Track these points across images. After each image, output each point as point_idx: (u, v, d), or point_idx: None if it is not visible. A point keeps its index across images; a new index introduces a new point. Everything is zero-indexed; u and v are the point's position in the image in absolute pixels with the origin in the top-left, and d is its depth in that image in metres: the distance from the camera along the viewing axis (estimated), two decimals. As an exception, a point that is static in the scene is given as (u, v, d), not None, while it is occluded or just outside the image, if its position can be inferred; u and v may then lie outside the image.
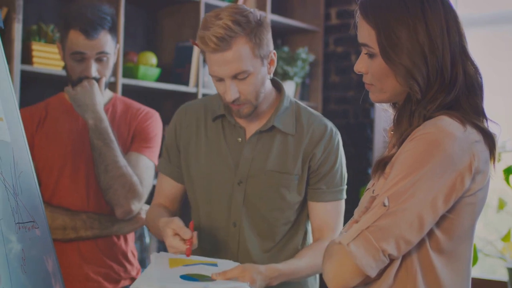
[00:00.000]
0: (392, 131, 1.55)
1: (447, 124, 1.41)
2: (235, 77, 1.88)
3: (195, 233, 1.84)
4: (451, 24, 1.46)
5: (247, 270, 1.78)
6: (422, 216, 1.37)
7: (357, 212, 1.50)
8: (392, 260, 1.42)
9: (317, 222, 2.04)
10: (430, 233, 1.43)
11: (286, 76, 4.19)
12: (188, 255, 1.82)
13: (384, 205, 1.38)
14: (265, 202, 1.99)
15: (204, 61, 2.05)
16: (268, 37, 1.93)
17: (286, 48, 4.21)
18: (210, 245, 2.04)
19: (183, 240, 1.83)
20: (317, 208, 2.03)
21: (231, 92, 1.88)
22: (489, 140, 1.45)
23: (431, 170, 1.37)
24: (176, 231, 1.83)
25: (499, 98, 3.89)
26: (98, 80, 2.30)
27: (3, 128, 1.63)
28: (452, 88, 1.45)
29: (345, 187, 2.08)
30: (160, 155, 2.28)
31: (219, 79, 1.90)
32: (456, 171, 1.38)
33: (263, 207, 2.00)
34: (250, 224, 2.00)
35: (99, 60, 2.29)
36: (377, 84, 1.51)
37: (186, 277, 1.76)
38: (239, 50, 1.85)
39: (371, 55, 1.50)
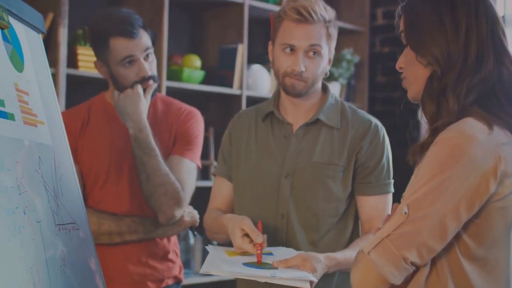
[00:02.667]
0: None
1: (469, 127, 1.37)
2: (307, 51, 2.01)
3: (265, 236, 1.86)
4: (481, 13, 1.44)
5: (307, 259, 1.81)
6: (444, 223, 1.35)
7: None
8: (418, 267, 1.40)
9: (367, 215, 2.07)
10: (459, 239, 1.40)
11: (331, 77, 4.17)
12: (259, 261, 1.82)
13: (405, 213, 1.36)
14: (311, 193, 2.04)
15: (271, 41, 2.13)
16: (336, 37, 2.10)
17: (331, 49, 4.19)
18: None
19: (252, 242, 1.85)
20: (366, 202, 2.07)
21: (301, 63, 2.00)
22: None
23: (452, 176, 1.34)
24: (246, 232, 1.86)
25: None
26: (153, 80, 2.31)
27: (44, 132, 1.66)
28: (478, 69, 1.42)
29: (392, 180, 2.12)
30: (201, 157, 2.30)
31: (291, 50, 2.01)
32: (479, 175, 1.35)
33: (309, 198, 2.04)
34: (297, 215, 2.04)
35: (146, 58, 2.30)
36: (409, 74, 1.51)
37: (248, 265, 1.78)
38: (320, 29, 2.02)
39: (406, 45, 1.51)
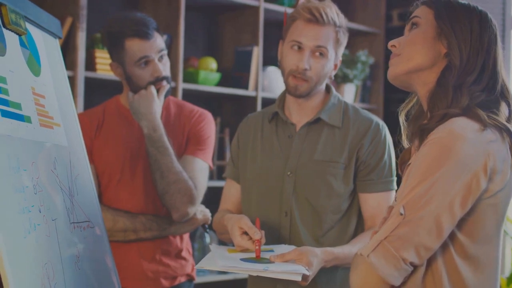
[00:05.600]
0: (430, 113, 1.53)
1: (458, 126, 1.41)
2: (314, 51, 2.08)
3: (263, 232, 1.92)
4: (500, 44, 1.52)
5: (304, 253, 1.86)
6: (439, 222, 1.38)
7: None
8: (415, 266, 1.43)
9: (369, 213, 2.11)
10: (453, 238, 1.43)
11: (345, 78, 4.21)
12: (258, 257, 1.88)
13: (401, 214, 1.40)
14: (312, 190, 2.09)
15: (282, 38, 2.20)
16: (344, 44, 2.17)
17: (346, 51, 4.22)
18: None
19: (251, 239, 1.91)
20: (368, 199, 2.11)
21: (307, 61, 2.08)
22: (509, 136, 1.45)
23: (444, 175, 1.38)
24: (244, 229, 1.92)
25: None
26: (166, 81, 2.38)
27: (60, 133, 1.73)
28: (490, 88, 1.49)
29: (395, 178, 2.15)
30: (213, 158, 2.35)
31: (299, 48, 2.09)
32: (470, 173, 1.39)
33: (311, 196, 2.09)
34: (299, 213, 2.09)
35: (160, 59, 2.37)
36: (406, 51, 1.53)
37: (246, 260, 1.84)
38: (329, 32, 2.09)
39: (414, 25, 1.55)
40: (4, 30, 1.52)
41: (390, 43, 1.57)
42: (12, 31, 1.56)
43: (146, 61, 2.34)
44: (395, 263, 1.39)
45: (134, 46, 2.33)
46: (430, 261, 1.44)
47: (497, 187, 1.43)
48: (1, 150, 1.36)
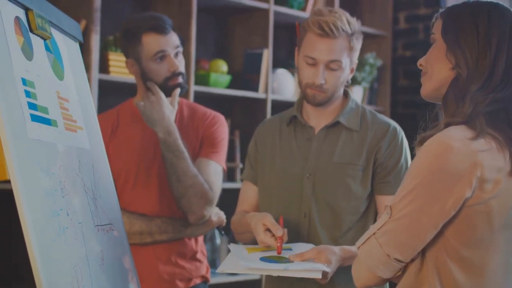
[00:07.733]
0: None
1: (448, 135, 1.46)
2: (328, 64, 2.09)
3: (285, 230, 1.96)
4: None
5: (322, 251, 1.91)
6: (421, 223, 1.46)
7: None
8: (404, 262, 1.50)
9: None
10: (444, 238, 1.49)
11: (353, 81, 4.23)
12: (279, 253, 1.92)
13: (388, 213, 1.49)
14: (331, 192, 2.12)
15: (296, 48, 2.21)
16: (359, 48, 2.17)
17: (354, 54, 4.24)
18: None
19: (274, 236, 1.95)
20: (385, 201, 2.13)
21: (321, 76, 2.09)
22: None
23: (426, 180, 1.45)
24: (267, 226, 1.96)
25: None
26: (182, 78, 2.40)
27: (83, 137, 1.74)
28: (502, 87, 1.50)
29: None
30: (226, 159, 2.37)
31: (313, 63, 2.10)
32: (452, 180, 1.43)
33: (330, 197, 2.12)
34: (318, 214, 2.12)
35: (176, 56, 2.39)
36: (428, 69, 1.59)
37: (265, 259, 1.89)
38: (342, 44, 2.09)
39: (433, 43, 1.59)
40: (31, 35, 1.54)
41: (418, 62, 1.63)
42: (38, 35, 1.58)
43: (162, 56, 2.36)
44: (380, 258, 1.49)
45: (151, 40, 2.36)
46: (425, 258, 1.51)
47: (487, 195, 1.45)
48: (32, 154, 1.37)
